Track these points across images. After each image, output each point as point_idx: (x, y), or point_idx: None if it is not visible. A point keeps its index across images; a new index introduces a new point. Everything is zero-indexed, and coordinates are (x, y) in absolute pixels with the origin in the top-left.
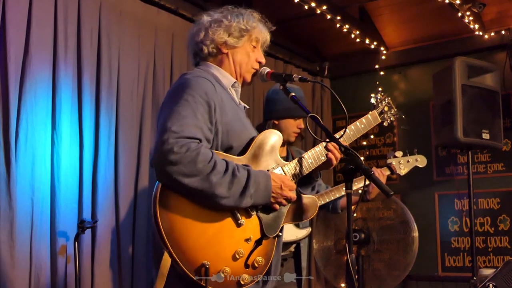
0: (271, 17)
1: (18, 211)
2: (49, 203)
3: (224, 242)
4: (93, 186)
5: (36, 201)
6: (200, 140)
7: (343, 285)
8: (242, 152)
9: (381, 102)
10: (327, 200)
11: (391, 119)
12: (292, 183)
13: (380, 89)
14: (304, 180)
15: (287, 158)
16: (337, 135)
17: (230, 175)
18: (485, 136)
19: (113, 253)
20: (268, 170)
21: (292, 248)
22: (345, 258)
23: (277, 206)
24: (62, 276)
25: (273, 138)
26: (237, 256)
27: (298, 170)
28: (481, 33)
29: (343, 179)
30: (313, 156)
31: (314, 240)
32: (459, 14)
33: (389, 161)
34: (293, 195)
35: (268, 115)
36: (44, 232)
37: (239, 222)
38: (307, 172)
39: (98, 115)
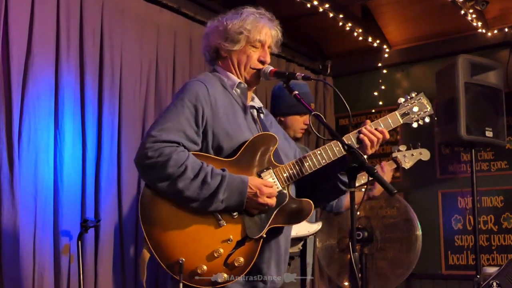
0: (274, 16)
1: (21, 210)
2: (52, 203)
3: (203, 241)
4: (96, 185)
5: (39, 200)
6: (179, 144)
7: (346, 283)
8: (232, 155)
9: (410, 101)
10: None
11: (424, 120)
12: (272, 190)
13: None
14: (325, 178)
15: None
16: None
17: (201, 180)
18: (489, 134)
19: (116, 252)
20: (257, 173)
21: (300, 246)
22: (348, 256)
23: (254, 211)
24: (65, 275)
25: (266, 140)
26: (215, 255)
27: (295, 171)
28: (484, 31)
29: (347, 177)
30: (324, 149)
31: (317, 239)
32: (462, 12)
33: (394, 154)
34: (270, 201)
35: (274, 112)
36: (47, 231)
37: (220, 222)
38: (311, 171)
39: (100, 114)
